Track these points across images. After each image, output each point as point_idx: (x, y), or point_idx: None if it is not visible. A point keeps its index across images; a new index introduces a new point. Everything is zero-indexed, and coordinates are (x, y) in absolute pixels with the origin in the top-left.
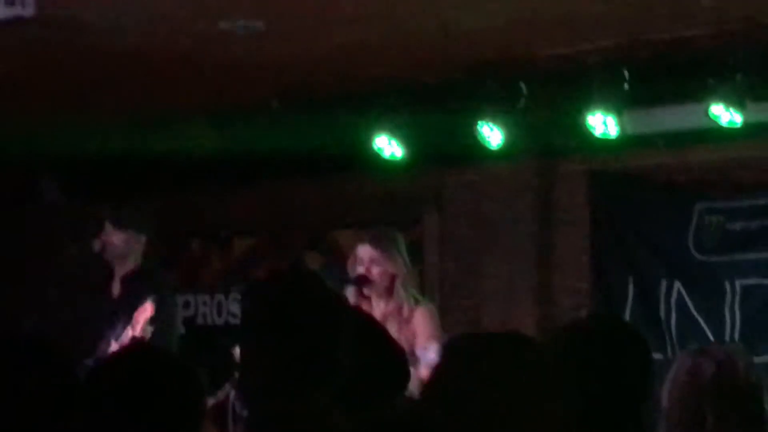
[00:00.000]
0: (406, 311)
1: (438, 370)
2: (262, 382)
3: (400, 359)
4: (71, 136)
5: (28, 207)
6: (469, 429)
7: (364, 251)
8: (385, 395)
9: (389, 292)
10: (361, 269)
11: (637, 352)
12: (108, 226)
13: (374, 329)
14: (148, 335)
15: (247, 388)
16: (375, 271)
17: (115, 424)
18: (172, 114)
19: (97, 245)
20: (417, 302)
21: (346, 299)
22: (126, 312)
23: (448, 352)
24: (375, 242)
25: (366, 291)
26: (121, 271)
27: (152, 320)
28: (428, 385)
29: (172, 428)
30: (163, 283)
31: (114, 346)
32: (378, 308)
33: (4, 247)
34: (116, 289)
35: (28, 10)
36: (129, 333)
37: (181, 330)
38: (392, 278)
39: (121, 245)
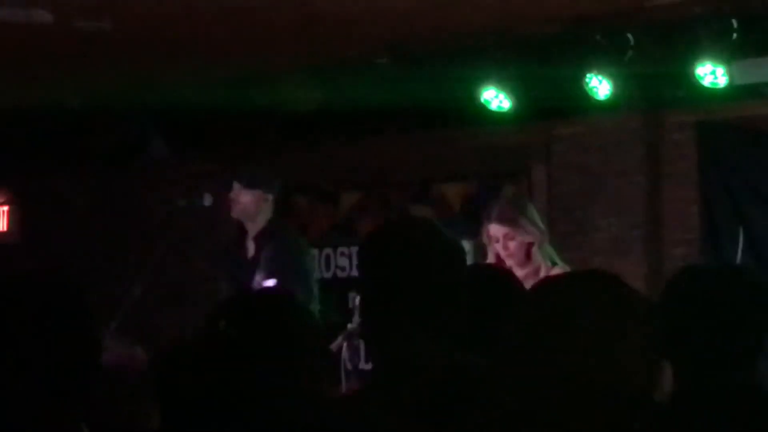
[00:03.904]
0: (543, 271)
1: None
2: (382, 330)
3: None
4: (176, 94)
5: (136, 163)
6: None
7: (496, 230)
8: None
9: (528, 258)
10: (498, 247)
11: (760, 295)
12: (236, 186)
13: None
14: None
15: (369, 337)
16: (512, 245)
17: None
18: (277, 70)
19: (207, 200)
20: (554, 264)
21: (460, 244)
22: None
23: (533, 293)
24: (503, 218)
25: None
26: (253, 230)
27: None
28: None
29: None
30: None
31: None
32: (516, 273)
33: (113, 204)
34: (251, 248)
35: None
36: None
37: None
38: (529, 246)
39: (250, 204)
